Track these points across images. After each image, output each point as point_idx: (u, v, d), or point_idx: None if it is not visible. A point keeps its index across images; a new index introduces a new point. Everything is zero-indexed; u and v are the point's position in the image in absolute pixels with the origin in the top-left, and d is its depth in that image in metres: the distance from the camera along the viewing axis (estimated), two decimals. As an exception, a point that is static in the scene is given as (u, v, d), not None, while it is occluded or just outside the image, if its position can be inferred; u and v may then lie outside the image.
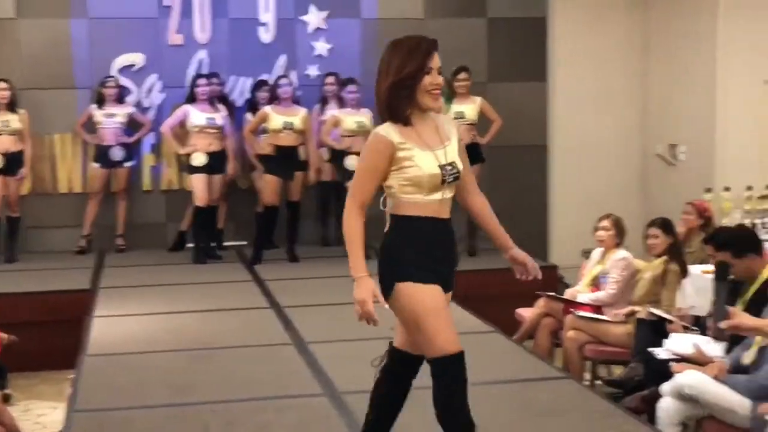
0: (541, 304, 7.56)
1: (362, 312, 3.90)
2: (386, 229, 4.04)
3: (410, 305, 3.90)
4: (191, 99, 9.59)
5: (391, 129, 3.94)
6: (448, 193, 4.00)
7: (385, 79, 3.94)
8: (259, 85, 10.26)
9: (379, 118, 4.07)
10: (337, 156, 9.77)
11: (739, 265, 5.87)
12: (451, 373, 3.91)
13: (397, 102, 3.94)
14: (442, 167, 3.93)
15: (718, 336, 5.89)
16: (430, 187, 3.92)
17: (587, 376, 7.13)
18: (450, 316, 3.97)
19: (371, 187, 3.96)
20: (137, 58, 10.58)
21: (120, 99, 10.19)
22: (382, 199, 4.04)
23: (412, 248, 3.94)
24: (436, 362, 3.91)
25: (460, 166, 4.01)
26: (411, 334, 4.01)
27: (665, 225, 7.06)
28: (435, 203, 3.95)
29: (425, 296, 3.89)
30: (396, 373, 4.22)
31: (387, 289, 3.94)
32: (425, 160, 3.91)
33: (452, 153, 4.00)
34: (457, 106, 9.50)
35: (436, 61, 3.93)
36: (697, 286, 7.19)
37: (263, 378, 5.95)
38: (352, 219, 3.97)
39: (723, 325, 5.11)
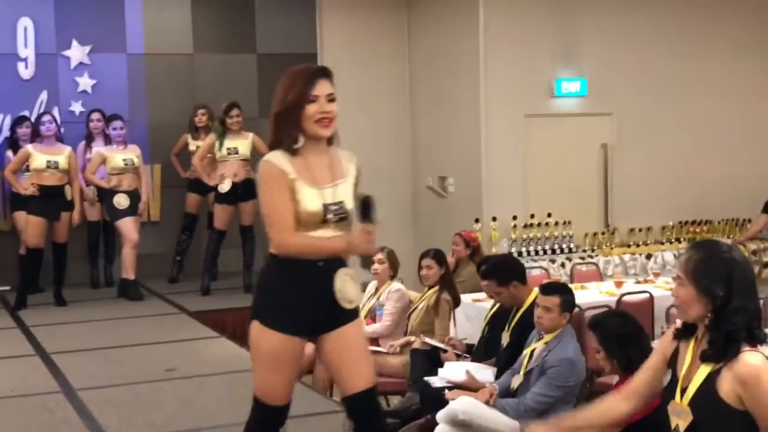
0: (318, 338, 7.55)
1: (370, 239, 3.78)
2: (264, 264, 3.94)
3: (255, 344, 3.86)
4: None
5: (281, 157, 3.77)
6: (332, 232, 3.81)
7: (273, 108, 3.81)
8: (19, 121, 9.82)
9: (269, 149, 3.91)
10: (105, 195, 9.47)
11: (504, 292, 6.10)
12: (256, 417, 3.95)
13: (283, 132, 3.78)
14: (326, 206, 3.78)
15: None
16: (308, 226, 3.77)
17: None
18: (286, 371, 3.85)
19: (287, 211, 3.74)
20: None
21: None
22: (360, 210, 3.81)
23: (276, 289, 3.80)
24: (257, 402, 3.92)
25: (348, 206, 3.86)
26: (252, 368, 3.93)
27: (438, 256, 7.24)
28: None
29: (265, 342, 3.81)
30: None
31: (250, 319, 3.87)
32: (308, 196, 3.76)
33: (343, 192, 3.86)
34: (230, 142, 9.43)
35: (323, 89, 3.77)
36: (468, 314, 7.42)
37: (31, 429, 5.64)
38: (294, 238, 3.75)
39: None
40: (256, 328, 3.82)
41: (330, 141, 3.89)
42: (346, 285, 3.83)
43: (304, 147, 3.81)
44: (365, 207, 3.78)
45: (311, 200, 3.77)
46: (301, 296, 3.79)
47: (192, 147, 10.15)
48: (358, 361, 3.90)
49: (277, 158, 3.78)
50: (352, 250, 3.85)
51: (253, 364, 3.89)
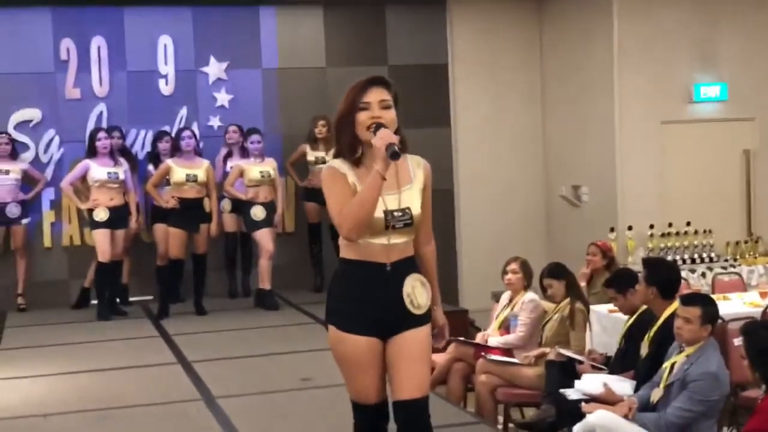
0: (451, 349, 7.52)
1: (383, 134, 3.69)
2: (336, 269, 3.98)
3: (333, 348, 3.91)
4: (91, 153, 9.40)
5: (343, 164, 3.84)
6: (398, 239, 3.82)
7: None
8: (160, 136, 10.13)
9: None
10: (242, 206, 9.68)
11: (621, 300, 6.00)
12: (356, 418, 3.99)
13: (340, 140, 3.86)
14: (388, 212, 3.78)
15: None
16: (370, 231, 3.77)
17: (500, 419, 7.12)
18: (367, 368, 3.86)
19: (346, 197, 3.76)
20: (34, 114, 10.37)
21: (14, 155, 9.95)
22: None
23: (344, 293, 3.86)
24: (352, 403, 3.98)
25: (415, 211, 3.85)
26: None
27: (554, 272, 7.16)
28: (378, 248, 3.80)
29: (341, 345, 3.86)
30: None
31: (326, 325, 3.95)
32: None
33: (408, 198, 3.85)
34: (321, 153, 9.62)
35: (376, 95, 3.78)
36: (605, 325, 7.27)
37: (171, 437, 5.80)
38: (347, 213, 3.73)
39: None
40: (331, 332, 3.89)
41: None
42: (415, 290, 3.85)
43: (366, 156, 3.82)
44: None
45: None
46: (370, 299, 3.82)
47: (311, 157, 10.30)
48: (411, 369, 3.85)
49: (339, 164, 3.84)
50: (378, 158, 3.67)
51: (339, 368, 3.94)
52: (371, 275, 3.82)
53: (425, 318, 3.90)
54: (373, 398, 3.91)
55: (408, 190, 3.87)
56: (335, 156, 3.91)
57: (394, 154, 3.64)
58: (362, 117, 3.77)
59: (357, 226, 3.73)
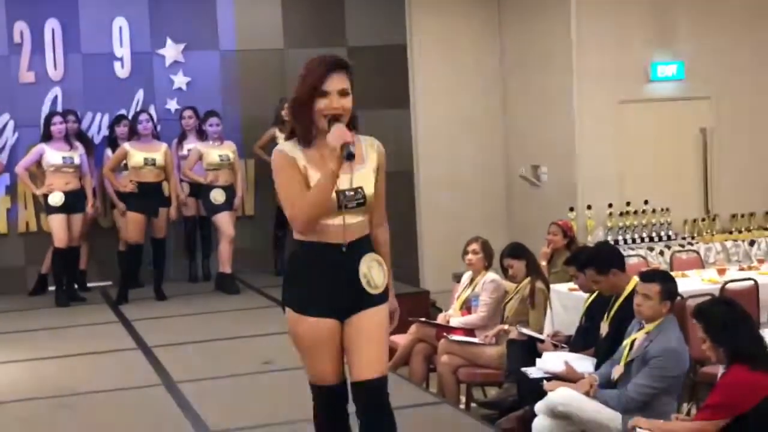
0: (413, 330, 7.54)
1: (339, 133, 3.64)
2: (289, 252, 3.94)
3: (290, 331, 3.89)
4: (46, 138, 9.26)
5: (294, 147, 3.79)
6: (352, 218, 3.79)
7: (290, 98, 3.85)
8: (117, 120, 10.02)
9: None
10: (202, 190, 9.61)
11: (604, 281, 5.98)
12: (315, 400, 3.99)
13: (296, 122, 3.81)
14: (340, 192, 3.73)
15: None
16: (325, 212, 3.74)
17: (463, 399, 7.14)
18: (324, 349, 3.84)
19: (299, 190, 3.73)
20: (-13, 98, 10.21)
21: (-31, 140, 9.80)
22: None
23: (300, 275, 3.85)
24: (311, 387, 3.97)
25: (368, 191, 3.83)
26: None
27: (514, 252, 7.20)
28: (335, 228, 3.77)
29: (298, 327, 3.84)
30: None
31: (283, 308, 3.92)
32: None
33: (360, 178, 3.82)
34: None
35: (336, 83, 3.72)
36: (565, 303, 7.31)
37: (133, 421, 5.75)
38: (298, 211, 3.73)
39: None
40: (289, 315, 3.87)
41: (349, 127, 3.79)
42: (372, 270, 3.83)
43: (318, 138, 3.78)
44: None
45: None
46: (326, 281, 3.79)
47: (280, 140, 10.21)
48: (368, 349, 3.84)
49: (288, 147, 3.80)
50: (333, 157, 3.64)
51: (297, 351, 3.92)
52: (327, 256, 3.79)
53: (382, 297, 3.88)
54: (332, 379, 3.89)
55: (360, 171, 3.83)
56: (287, 137, 3.88)
57: (349, 155, 3.62)
58: (321, 104, 3.73)
59: (310, 222, 3.74)
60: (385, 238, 4.04)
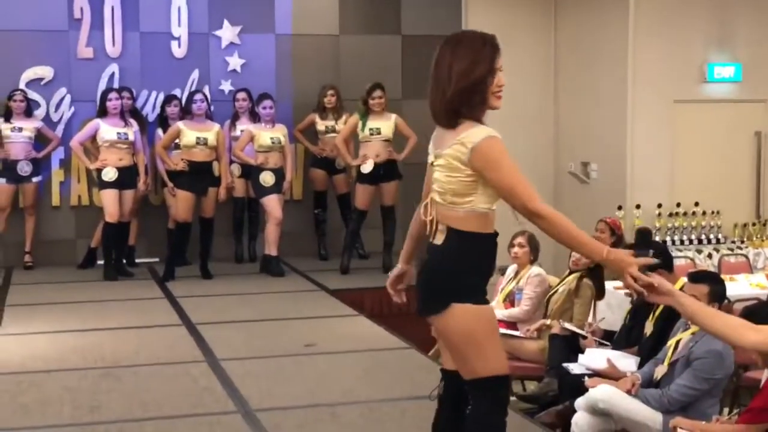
0: (456, 320, 7.53)
1: (637, 283, 3.50)
2: (443, 242, 3.70)
3: (471, 326, 3.64)
4: (102, 113, 9.39)
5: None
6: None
7: (448, 84, 3.67)
8: (169, 99, 10.12)
9: (442, 125, 3.76)
10: (252, 172, 9.69)
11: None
12: (500, 393, 3.75)
13: (471, 107, 3.69)
14: None
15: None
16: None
17: (502, 391, 7.13)
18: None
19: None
20: (46, 72, 10.33)
21: (28, 113, 9.94)
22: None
23: (477, 268, 3.69)
24: (485, 382, 3.67)
25: None
26: (461, 354, 3.70)
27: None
28: (492, 214, 3.75)
29: (486, 318, 3.69)
30: (454, 398, 3.89)
31: (439, 307, 3.65)
32: None
33: None
34: (372, 123, 9.48)
35: (500, 61, 3.75)
36: (609, 301, 7.28)
37: (175, 396, 5.81)
38: (552, 213, 3.62)
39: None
40: (472, 310, 3.63)
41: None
42: None
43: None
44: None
45: None
46: (491, 267, 3.75)
47: (320, 127, 10.29)
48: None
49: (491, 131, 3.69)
50: (617, 267, 3.55)
51: (466, 348, 3.65)
52: (493, 245, 3.76)
53: None
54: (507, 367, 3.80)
55: None
56: (447, 126, 3.73)
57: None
58: (492, 83, 3.72)
59: (552, 223, 3.63)
60: None
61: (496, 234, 3.74)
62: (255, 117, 9.87)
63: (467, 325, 3.62)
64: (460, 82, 3.67)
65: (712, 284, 5.29)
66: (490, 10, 11.29)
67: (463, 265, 3.66)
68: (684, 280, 5.59)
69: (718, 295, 5.28)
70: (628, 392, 5.27)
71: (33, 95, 10.22)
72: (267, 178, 9.53)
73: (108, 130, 9.29)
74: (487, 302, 3.72)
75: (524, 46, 11.37)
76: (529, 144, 11.39)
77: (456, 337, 3.66)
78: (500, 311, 7.35)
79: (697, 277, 5.43)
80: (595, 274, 6.98)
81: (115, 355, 6.73)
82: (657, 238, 9.89)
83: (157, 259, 10.26)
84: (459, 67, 3.67)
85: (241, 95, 10.22)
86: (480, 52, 3.69)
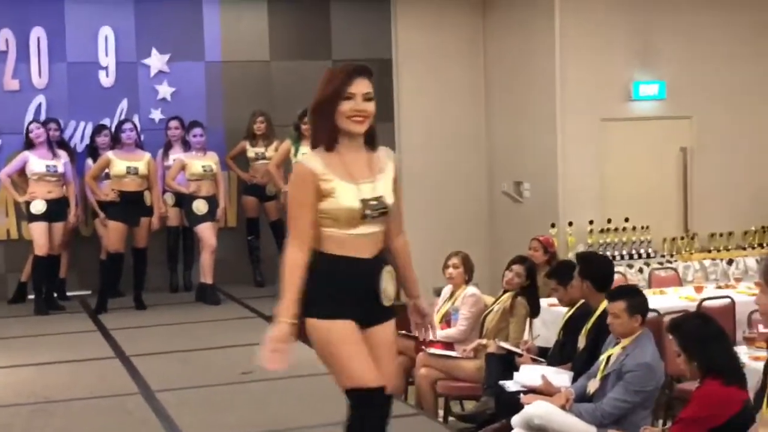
0: (392, 342, 7.53)
1: (265, 352, 3.68)
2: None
3: (321, 338, 3.78)
4: (29, 145, 9.26)
5: (315, 157, 3.79)
6: (373, 228, 3.81)
7: (311, 104, 3.86)
8: (98, 129, 10.02)
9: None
10: (185, 200, 9.62)
11: (589, 296, 6.06)
12: (361, 411, 3.80)
13: (317, 127, 3.83)
14: (364, 201, 3.76)
15: None
16: (348, 222, 3.76)
17: (440, 412, 7.15)
18: (363, 350, 3.79)
19: (306, 220, 3.74)
20: (-29, 105, 10.19)
21: (-47, 147, 9.78)
22: None
23: (325, 287, 3.77)
24: (352, 394, 3.78)
25: (389, 201, 3.84)
26: (328, 369, 3.84)
27: (531, 268, 7.18)
28: (356, 239, 3.77)
29: (334, 328, 3.76)
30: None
31: (303, 326, 3.80)
32: (345, 192, 3.76)
33: (382, 187, 3.83)
34: (305, 148, 9.43)
35: (360, 87, 3.76)
36: (545, 319, 7.35)
37: (109, 429, 5.74)
38: (288, 255, 3.74)
39: None
40: (315, 324, 3.78)
41: (371, 143, 3.88)
42: (387, 283, 3.85)
43: (341, 144, 3.81)
44: None
45: (347, 196, 3.75)
46: (349, 294, 3.78)
47: (251, 153, 10.30)
48: (389, 363, 3.92)
49: (310, 159, 3.80)
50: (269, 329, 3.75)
51: (327, 362, 3.81)
52: (352, 270, 3.79)
53: (393, 310, 3.93)
54: (375, 380, 3.77)
55: (382, 180, 3.86)
56: (312, 146, 3.86)
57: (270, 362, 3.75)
58: (345, 107, 3.75)
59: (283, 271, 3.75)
60: (407, 248, 4.07)
61: (354, 259, 3.77)
62: (187, 145, 9.81)
63: (318, 339, 3.79)
64: (312, 103, 3.84)
65: (628, 299, 5.39)
66: (420, 34, 11.40)
67: (311, 284, 3.76)
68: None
69: (637, 308, 5.37)
70: (563, 407, 5.32)
71: (-42, 129, 10.07)
72: (200, 207, 9.46)
73: (37, 162, 9.17)
74: (339, 316, 3.75)
75: (454, 69, 11.49)
76: (462, 165, 11.49)
77: (318, 354, 3.86)
78: (437, 332, 7.38)
79: (613, 295, 5.53)
80: (530, 292, 7.05)
81: (48, 390, 6.62)
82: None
83: (89, 292, 10.12)
84: (318, 90, 3.82)
85: (174, 123, 10.16)
86: (334, 76, 3.81)
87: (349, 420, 3.82)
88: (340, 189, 3.75)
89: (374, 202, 3.79)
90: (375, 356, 3.82)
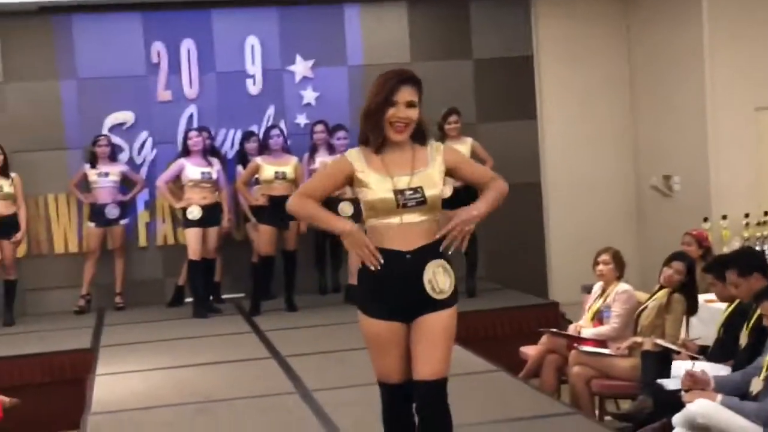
0: (544, 341, 7.50)
1: (363, 249, 3.94)
2: None
3: (361, 328, 4.10)
4: (185, 153, 9.59)
5: (358, 154, 4.06)
6: (417, 217, 3.97)
7: (362, 107, 4.09)
8: (247, 136, 10.29)
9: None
10: (331, 202, 9.76)
11: (744, 285, 5.84)
12: (382, 398, 4.18)
13: (366, 130, 4.04)
14: (399, 191, 3.95)
15: None
16: (386, 211, 3.95)
17: (596, 411, 7.05)
18: (387, 349, 4.03)
19: (320, 186, 4.15)
20: (127, 116, 10.60)
21: (112, 157, 10.20)
22: None
23: (367, 279, 4.03)
24: (379, 384, 4.19)
25: (429, 192, 3.97)
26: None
27: (691, 265, 6.97)
28: (399, 229, 3.95)
29: (364, 328, 4.07)
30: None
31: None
32: (378, 183, 3.97)
33: (423, 179, 3.99)
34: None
35: (404, 95, 3.97)
36: (701, 315, 7.15)
37: (269, 428, 5.89)
38: (296, 200, 4.16)
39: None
40: (359, 314, 4.09)
41: (420, 138, 4.07)
42: (437, 276, 3.97)
43: (386, 146, 4.03)
44: None
45: (380, 187, 3.96)
46: (390, 287, 3.97)
47: None
48: (431, 352, 3.97)
49: (353, 154, 4.07)
50: (345, 240, 4.02)
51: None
52: (393, 264, 3.95)
53: (449, 302, 4.01)
54: (396, 378, 4.07)
55: (421, 173, 4.00)
56: (360, 142, 4.10)
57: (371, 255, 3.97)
58: (389, 113, 3.96)
59: (292, 213, 4.28)
60: (494, 184, 4.15)
61: (392, 251, 3.95)
62: (332, 149, 9.96)
63: (359, 327, 4.12)
64: (363, 107, 4.07)
65: None
66: (560, 29, 11.28)
67: (360, 273, 4.09)
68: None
69: None
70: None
71: (116, 140, 10.48)
72: (345, 208, 9.55)
73: (192, 169, 9.48)
74: (374, 314, 4.02)
75: (597, 62, 11.31)
76: (609, 160, 11.31)
77: None
78: (589, 330, 7.29)
79: (760, 295, 5.35)
80: (688, 289, 6.86)
81: (208, 390, 6.82)
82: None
83: (242, 295, 10.39)
84: (369, 95, 4.05)
85: (319, 127, 10.32)
86: (383, 84, 3.99)
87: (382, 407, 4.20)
88: (374, 180, 3.98)
89: (410, 192, 3.96)
90: (420, 345, 3.97)
